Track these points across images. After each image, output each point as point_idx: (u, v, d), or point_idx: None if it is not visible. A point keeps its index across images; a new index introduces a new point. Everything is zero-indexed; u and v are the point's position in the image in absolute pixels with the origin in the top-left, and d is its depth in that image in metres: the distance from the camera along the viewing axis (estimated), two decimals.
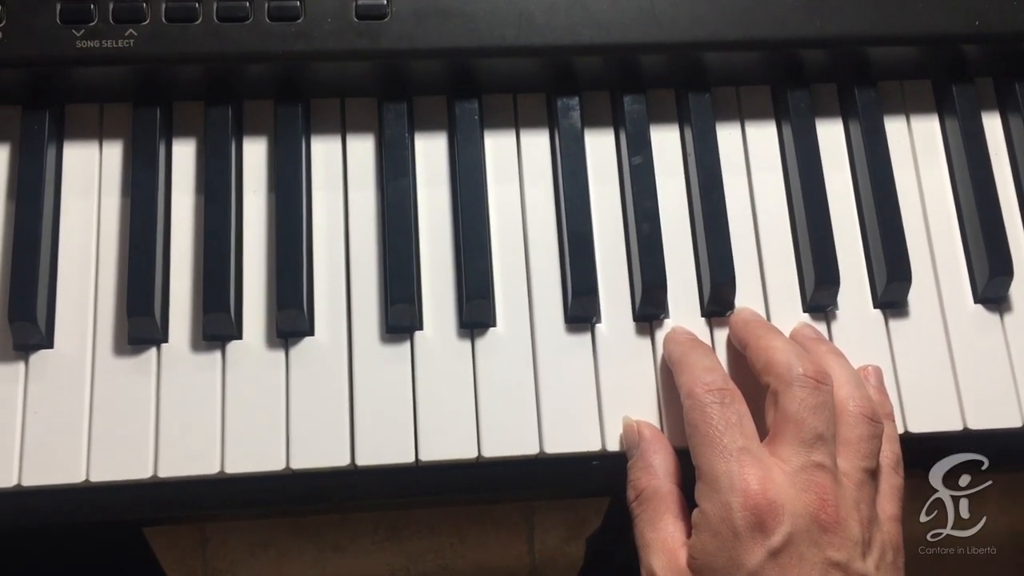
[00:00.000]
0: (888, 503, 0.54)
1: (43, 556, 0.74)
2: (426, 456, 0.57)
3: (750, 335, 0.57)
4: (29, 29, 0.57)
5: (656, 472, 0.55)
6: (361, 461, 0.56)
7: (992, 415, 0.59)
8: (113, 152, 0.61)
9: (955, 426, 0.59)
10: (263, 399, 0.57)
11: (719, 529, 0.50)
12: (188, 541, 1.31)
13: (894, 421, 0.57)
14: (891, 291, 0.60)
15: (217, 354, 0.58)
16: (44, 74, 0.59)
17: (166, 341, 0.58)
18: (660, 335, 0.59)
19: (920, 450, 0.59)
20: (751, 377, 0.55)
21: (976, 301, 0.61)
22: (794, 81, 0.63)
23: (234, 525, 1.31)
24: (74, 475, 0.55)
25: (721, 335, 0.60)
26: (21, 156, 0.59)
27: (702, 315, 0.60)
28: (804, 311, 0.60)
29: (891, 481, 0.55)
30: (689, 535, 0.52)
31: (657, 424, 0.58)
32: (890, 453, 0.55)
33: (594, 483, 0.59)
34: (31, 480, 0.55)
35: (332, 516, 1.31)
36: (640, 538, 0.54)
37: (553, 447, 0.57)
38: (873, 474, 0.53)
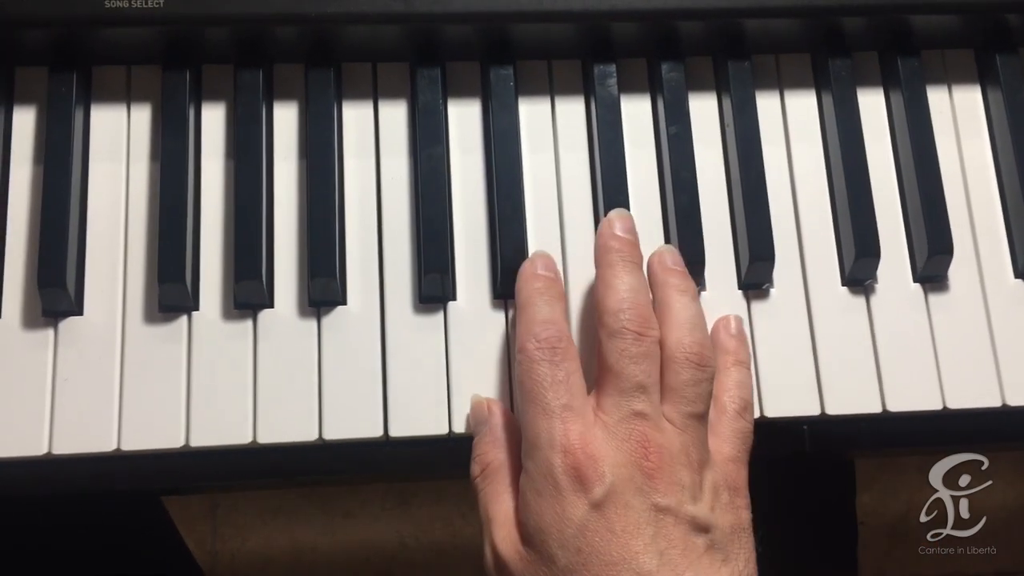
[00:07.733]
0: (727, 445, 0.53)
1: (63, 520, 0.74)
2: (461, 428, 0.56)
3: (600, 267, 0.54)
4: None
5: (503, 446, 0.54)
6: (395, 432, 0.56)
7: None
8: (141, 116, 0.60)
9: (994, 402, 0.58)
10: (295, 368, 0.56)
11: (542, 488, 0.49)
12: (198, 507, 1.30)
13: (749, 367, 0.56)
14: (932, 265, 0.59)
15: (249, 322, 0.57)
16: (71, 35, 0.58)
17: (197, 309, 0.57)
18: None
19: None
20: None
21: (1017, 275, 0.60)
22: (835, 49, 0.62)
23: (244, 491, 1.31)
24: (105, 443, 0.54)
25: (758, 308, 0.59)
26: (48, 119, 0.57)
27: (739, 287, 0.59)
28: (843, 284, 0.59)
29: (733, 425, 0.54)
30: None
31: None
32: (737, 398, 0.55)
33: None
34: (62, 448, 0.54)
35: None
36: (484, 513, 0.53)
37: None
38: (700, 417, 0.52)
